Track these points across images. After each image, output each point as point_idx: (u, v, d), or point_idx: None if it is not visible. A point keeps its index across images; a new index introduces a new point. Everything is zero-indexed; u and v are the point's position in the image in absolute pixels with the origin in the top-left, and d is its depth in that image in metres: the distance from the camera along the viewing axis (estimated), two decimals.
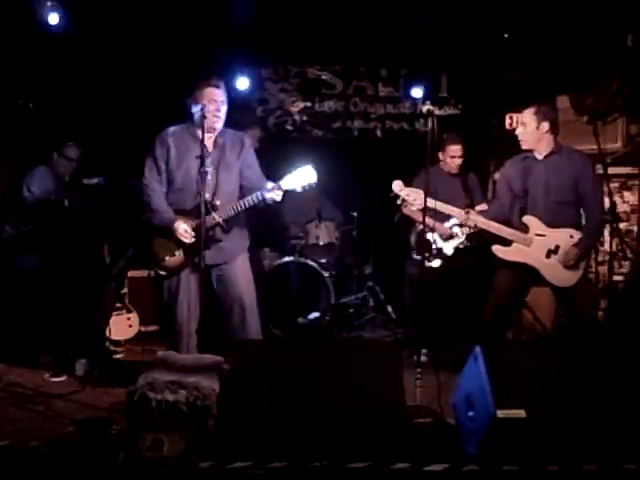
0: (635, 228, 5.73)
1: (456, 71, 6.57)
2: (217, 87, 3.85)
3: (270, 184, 3.74)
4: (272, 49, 6.43)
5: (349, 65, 6.80)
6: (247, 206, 3.77)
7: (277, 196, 3.73)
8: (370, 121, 6.85)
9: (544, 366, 3.06)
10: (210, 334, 3.72)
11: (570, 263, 3.86)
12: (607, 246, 5.02)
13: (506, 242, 3.97)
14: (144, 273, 5.43)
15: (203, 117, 3.67)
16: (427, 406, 3.57)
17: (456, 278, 4.94)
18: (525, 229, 3.94)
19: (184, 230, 3.76)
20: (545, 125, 3.93)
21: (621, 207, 5.73)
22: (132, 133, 5.95)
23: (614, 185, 5.73)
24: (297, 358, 3.14)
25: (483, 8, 5.62)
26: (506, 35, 5.90)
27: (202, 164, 3.64)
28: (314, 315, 5.77)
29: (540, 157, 3.99)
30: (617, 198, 5.58)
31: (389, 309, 6.16)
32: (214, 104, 3.80)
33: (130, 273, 5.13)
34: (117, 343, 4.92)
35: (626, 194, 5.97)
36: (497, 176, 4.99)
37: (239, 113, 5.57)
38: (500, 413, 2.81)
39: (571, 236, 3.89)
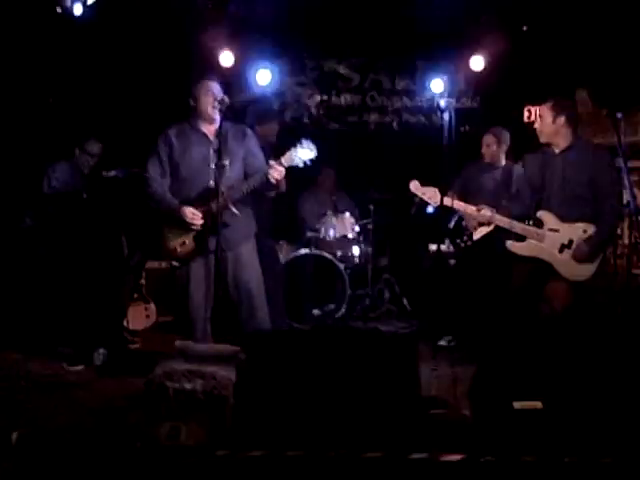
0: None
1: (474, 64, 6.53)
2: (213, 80, 3.97)
3: (271, 162, 3.76)
4: (289, 43, 6.44)
5: (366, 58, 6.79)
6: (252, 187, 3.78)
7: (278, 173, 3.73)
8: (387, 114, 6.84)
9: (560, 358, 3.05)
10: (224, 320, 3.75)
11: (581, 258, 3.83)
12: (626, 239, 4.98)
13: (522, 237, 3.96)
14: (161, 265, 5.48)
15: (202, 110, 3.80)
16: (443, 397, 3.57)
17: (473, 271, 4.93)
18: (540, 224, 3.93)
19: (191, 213, 3.78)
20: (561, 119, 3.90)
21: None
22: (151, 125, 5.99)
23: (634, 178, 5.69)
24: (313, 349, 3.14)
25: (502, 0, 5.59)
26: (525, 27, 5.85)
27: (219, 157, 3.67)
28: (330, 307, 5.78)
29: (557, 151, 3.97)
30: (637, 191, 5.53)
31: (405, 301, 6.16)
32: (211, 96, 3.86)
33: (148, 264, 5.17)
34: (135, 333, 4.96)
35: None
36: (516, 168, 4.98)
37: (256, 107, 5.62)
38: (517, 404, 2.80)
39: (584, 230, 3.86)
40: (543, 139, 3.99)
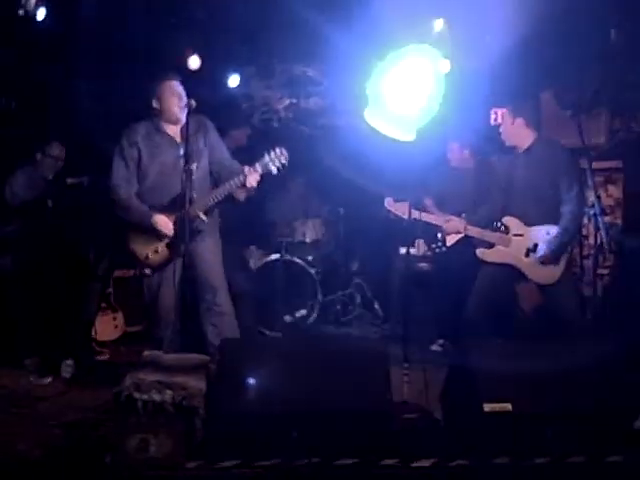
0: (619, 222, 5.77)
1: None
2: (176, 80, 3.90)
3: (246, 168, 3.73)
4: (258, 46, 6.41)
5: (334, 61, 6.78)
6: (226, 193, 3.76)
7: (255, 180, 3.72)
8: (356, 117, 6.84)
9: (530, 361, 3.08)
10: (194, 330, 3.71)
11: (545, 261, 3.88)
12: (592, 240, 5.05)
13: (492, 244, 4.03)
14: (130, 273, 5.41)
15: (166, 111, 3.76)
16: (415, 402, 3.57)
17: (445, 275, 4.97)
18: (506, 229, 3.99)
19: (163, 221, 3.74)
20: (519, 120, 3.97)
21: (606, 201, 5.77)
22: (117, 131, 5.93)
23: (598, 179, 5.78)
24: (284, 356, 3.13)
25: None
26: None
27: (187, 161, 3.61)
28: (302, 312, 5.77)
29: (520, 151, 4.03)
30: (601, 192, 5.62)
31: (376, 305, 6.17)
32: (177, 96, 3.81)
33: (115, 273, 5.10)
34: (103, 344, 4.89)
35: (610, 188, 6.01)
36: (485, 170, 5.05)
37: (225, 110, 5.58)
38: (487, 407, 2.82)
39: (548, 232, 3.90)
40: (507, 142, 4.07)
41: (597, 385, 2.98)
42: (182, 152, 3.72)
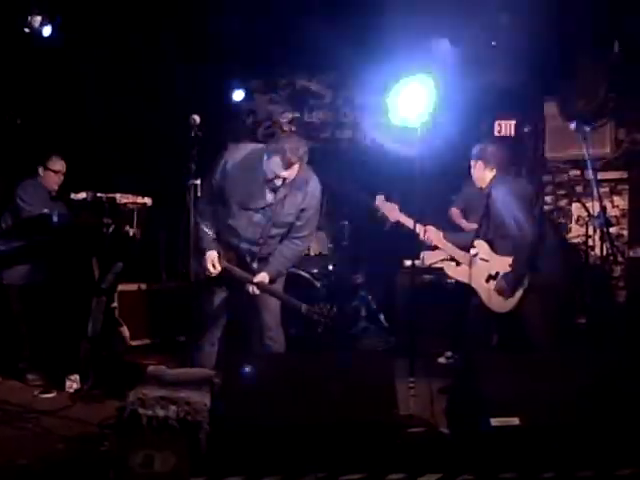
0: (625, 232, 5.75)
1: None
2: (292, 138, 3.77)
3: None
4: (261, 60, 6.44)
5: (338, 75, 6.81)
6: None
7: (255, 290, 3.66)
8: (359, 131, 6.86)
9: (537, 374, 3.06)
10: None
11: (500, 292, 3.95)
12: (598, 250, 5.03)
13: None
14: (134, 287, 5.41)
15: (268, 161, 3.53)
16: (420, 415, 3.55)
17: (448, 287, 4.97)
18: (475, 252, 4.09)
19: (211, 262, 3.61)
20: (494, 171, 4.13)
21: (611, 211, 5.77)
22: (120, 147, 5.96)
23: (604, 190, 5.77)
24: (289, 370, 3.11)
25: (470, 14, 5.64)
26: (494, 43, 5.92)
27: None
28: (306, 325, 5.74)
29: (484, 189, 4.18)
30: (607, 203, 5.62)
31: (381, 318, 6.14)
32: (281, 156, 3.48)
33: (120, 287, 5.09)
34: (106, 357, 4.87)
35: (615, 198, 6.01)
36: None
37: (230, 124, 5.61)
38: (494, 421, 2.79)
39: (510, 265, 3.95)
40: (476, 184, 4.24)
41: (604, 398, 2.95)
42: (267, 203, 3.61)
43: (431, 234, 4.14)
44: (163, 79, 6.05)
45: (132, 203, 4.36)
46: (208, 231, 3.65)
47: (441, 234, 4.17)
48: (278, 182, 3.55)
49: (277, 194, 3.62)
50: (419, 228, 4.10)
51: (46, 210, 4.50)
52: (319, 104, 6.88)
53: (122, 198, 4.29)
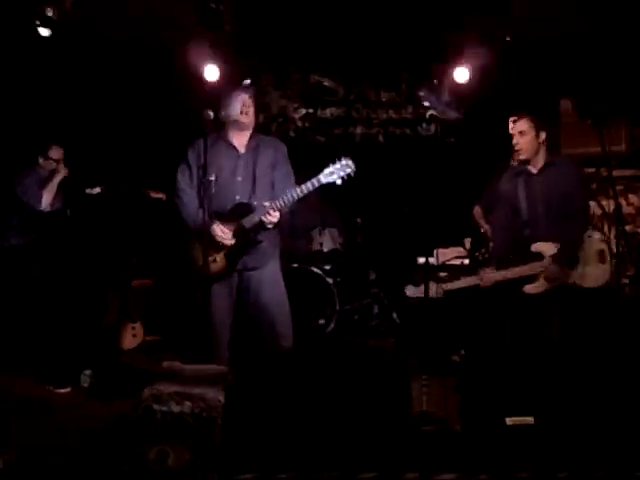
0: None
1: (458, 76, 6.56)
2: (244, 88, 3.92)
3: (267, 204, 3.67)
4: (274, 56, 6.44)
5: (350, 71, 6.79)
6: (305, 192, 3.66)
7: (273, 218, 3.67)
8: (372, 127, 6.84)
9: (549, 373, 3.04)
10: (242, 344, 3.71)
11: (552, 276, 3.70)
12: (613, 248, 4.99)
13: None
14: (148, 282, 5.43)
15: (232, 120, 3.73)
16: (433, 413, 3.54)
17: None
18: (539, 256, 3.76)
19: (220, 230, 3.69)
20: (543, 134, 3.79)
21: (626, 209, 5.71)
22: (132, 141, 5.97)
23: (619, 187, 5.72)
24: (302, 367, 3.12)
25: (484, 11, 5.62)
26: (508, 38, 5.89)
27: (204, 174, 3.61)
28: (319, 322, 5.75)
29: (535, 170, 3.84)
30: (622, 200, 5.56)
31: (394, 315, 6.13)
32: (240, 100, 3.80)
33: (134, 282, 5.11)
34: (122, 353, 4.90)
35: (631, 196, 5.95)
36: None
37: None
38: (509, 420, 2.78)
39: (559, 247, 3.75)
40: (523, 156, 3.82)
41: (623, 398, 2.94)
42: (243, 161, 3.76)
43: (489, 276, 3.79)
44: (176, 72, 6.05)
45: (147, 198, 4.37)
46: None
47: (495, 272, 3.80)
48: (245, 119, 3.77)
49: (249, 143, 3.84)
50: (474, 280, 3.83)
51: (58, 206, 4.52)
52: (332, 100, 6.86)
53: (137, 193, 4.30)
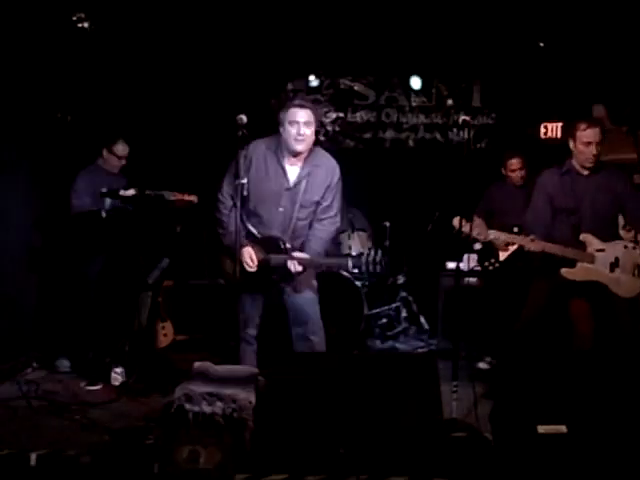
0: None
1: (489, 80, 6.54)
2: (300, 107, 3.64)
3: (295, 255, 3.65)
4: (305, 61, 6.46)
5: (381, 76, 6.79)
6: (330, 264, 3.83)
7: (294, 268, 3.64)
8: (402, 131, 6.83)
9: (581, 380, 3.01)
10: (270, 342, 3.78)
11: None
12: None
13: (572, 262, 3.89)
14: (179, 283, 5.48)
15: (283, 142, 3.62)
16: (463, 419, 3.52)
17: (493, 291, 4.92)
18: (582, 247, 3.89)
19: (249, 256, 3.63)
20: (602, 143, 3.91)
21: None
22: (168, 146, 6.04)
23: None
24: (332, 370, 3.12)
25: (518, 16, 5.59)
26: (542, 44, 5.84)
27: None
28: (347, 326, 5.74)
29: (585, 172, 3.95)
30: None
31: (422, 320, 6.11)
32: (295, 126, 3.59)
33: (165, 282, 5.16)
34: (153, 352, 4.94)
35: None
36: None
37: (272, 125, 5.62)
38: (541, 429, 2.76)
39: (625, 247, 3.87)
40: (590, 164, 3.90)
41: None
42: (291, 186, 3.66)
43: (540, 243, 3.83)
44: (209, 78, 6.10)
45: (179, 201, 4.41)
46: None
47: (542, 242, 3.85)
48: (303, 133, 3.58)
49: (301, 172, 3.69)
50: (525, 240, 3.85)
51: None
52: (362, 104, 6.86)
53: (170, 195, 4.34)
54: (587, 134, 3.85)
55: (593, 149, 3.86)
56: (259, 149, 3.72)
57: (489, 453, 3.11)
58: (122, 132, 5.09)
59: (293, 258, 3.63)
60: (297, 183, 3.70)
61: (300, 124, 3.60)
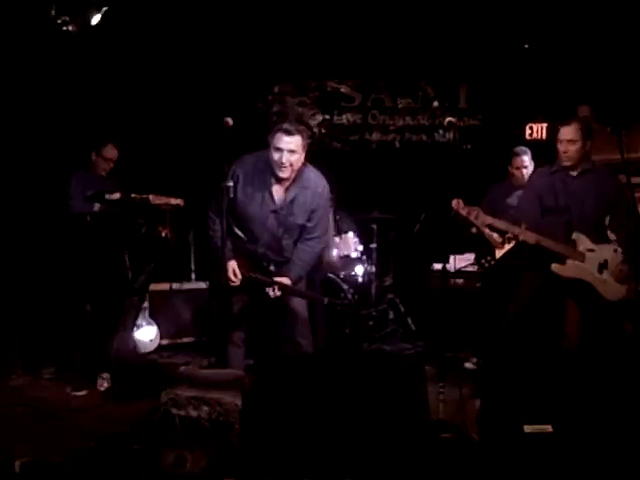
0: None
1: (475, 81, 6.57)
2: (287, 133, 3.53)
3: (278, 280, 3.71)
4: (291, 63, 6.47)
5: (367, 78, 6.81)
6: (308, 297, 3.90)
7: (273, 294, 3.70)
8: (389, 133, 6.85)
9: (567, 379, 3.02)
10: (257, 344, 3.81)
11: (623, 278, 3.84)
12: None
13: (562, 259, 3.91)
14: (165, 287, 5.46)
15: (270, 167, 3.60)
16: (450, 420, 3.52)
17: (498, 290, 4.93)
18: (573, 245, 3.91)
19: (232, 271, 3.65)
20: (588, 144, 3.93)
21: None
22: (152, 149, 6.02)
23: (638, 195, 5.67)
24: (318, 373, 3.11)
25: (503, 18, 5.62)
26: (526, 45, 5.88)
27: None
28: (335, 328, 5.73)
29: (575, 173, 3.97)
30: None
31: (409, 321, 6.11)
32: (278, 153, 3.53)
33: (151, 287, 5.13)
34: (139, 356, 4.91)
35: None
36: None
37: (258, 127, 5.61)
38: (527, 428, 2.76)
39: (615, 250, 3.89)
40: (571, 162, 3.93)
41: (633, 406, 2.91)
42: (273, 217, 3.68)
43: (532, 233, 3.85)
44: (196, 80, 6.09)
45: (165, 204, 4.39)
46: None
47: (535, 235, 3.88)
48: (286, 161, 3.52)
49: (287, 194, 3.67)
50: (519, 229, 3.85)
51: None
52: (349, 106, 6.87)
53: (155, 199, 4.31)
54: (561, 132, 3.91)
55: (564, 147, 3.89)
56: (247, 166, 3.69)
57: (476, 454, 3.11)
58: (110, 135, 5.07)
59: (274, 283, 3.66)
60: (283, 207, 3.69)
61: (284, 152, 3.53)
